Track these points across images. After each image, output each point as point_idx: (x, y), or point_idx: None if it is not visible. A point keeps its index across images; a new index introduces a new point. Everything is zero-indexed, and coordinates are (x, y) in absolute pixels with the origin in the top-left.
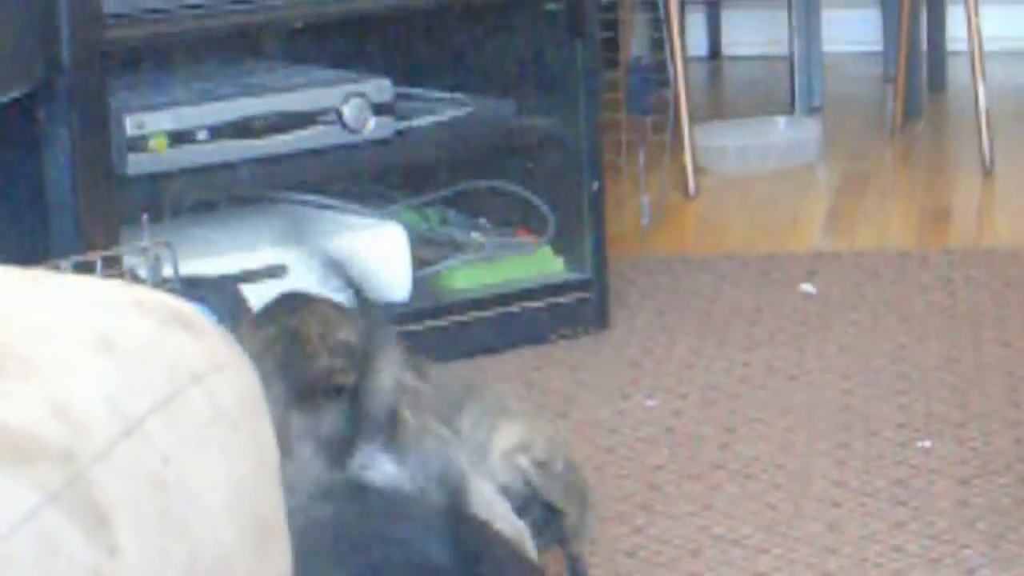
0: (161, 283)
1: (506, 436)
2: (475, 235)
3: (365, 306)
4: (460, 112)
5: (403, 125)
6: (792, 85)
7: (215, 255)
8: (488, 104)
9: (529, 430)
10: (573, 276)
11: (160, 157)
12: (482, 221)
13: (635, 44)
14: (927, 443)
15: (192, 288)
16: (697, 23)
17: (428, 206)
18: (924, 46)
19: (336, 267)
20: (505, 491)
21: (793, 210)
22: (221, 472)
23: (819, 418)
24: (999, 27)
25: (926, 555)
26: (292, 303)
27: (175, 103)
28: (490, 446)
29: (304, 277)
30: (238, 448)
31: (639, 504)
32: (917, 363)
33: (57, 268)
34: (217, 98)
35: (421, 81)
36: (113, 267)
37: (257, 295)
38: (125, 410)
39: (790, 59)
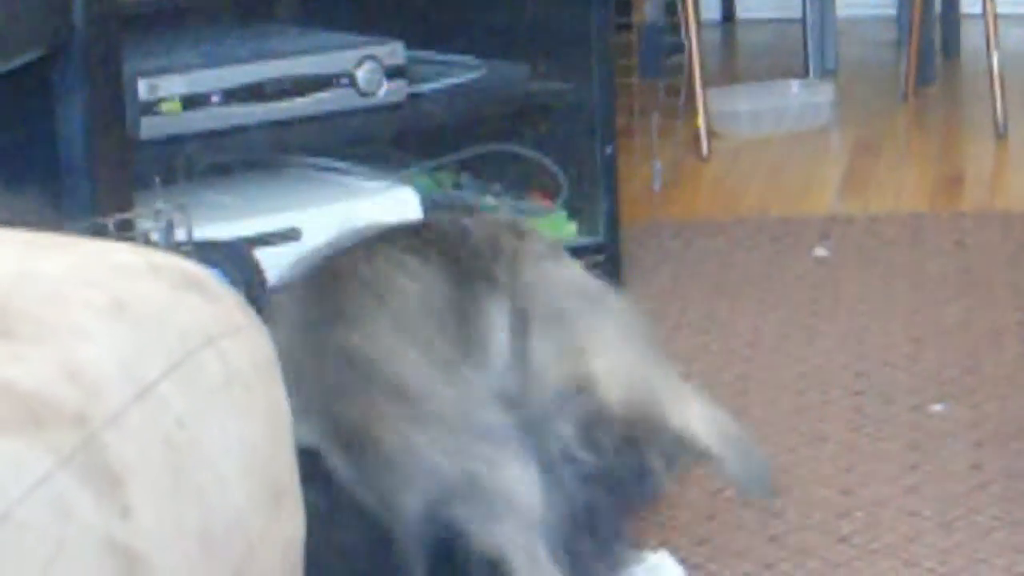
0: (174, 247)
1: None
2: (488, 199)
3: None
4: (473, 76)
5: (416, 89)
6: (806, 49)
7: (228, 219)
8: (501, 68)
9: None
10: (586, 240)
11: (173, 121)
12: (495, 185)
13: (648, 8)
14: (940, 407)
15: (205, 252)
16: None
17: (441, 170)
18: (938, 10)
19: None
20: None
21: (806, 174)
22: (234, 435)
23: (832, 382)
24: None
25: (939, 518)
26: (335, 271)
27: (189, 67)
28: None
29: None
30: (251, 411)
31: None
32: (930, 326)
33: (71, 232)
34: (230, 62)
35: (434, 44)
36: (126, 231)
37: (270, 258)
38: (138, 373)
39: (804, 23)
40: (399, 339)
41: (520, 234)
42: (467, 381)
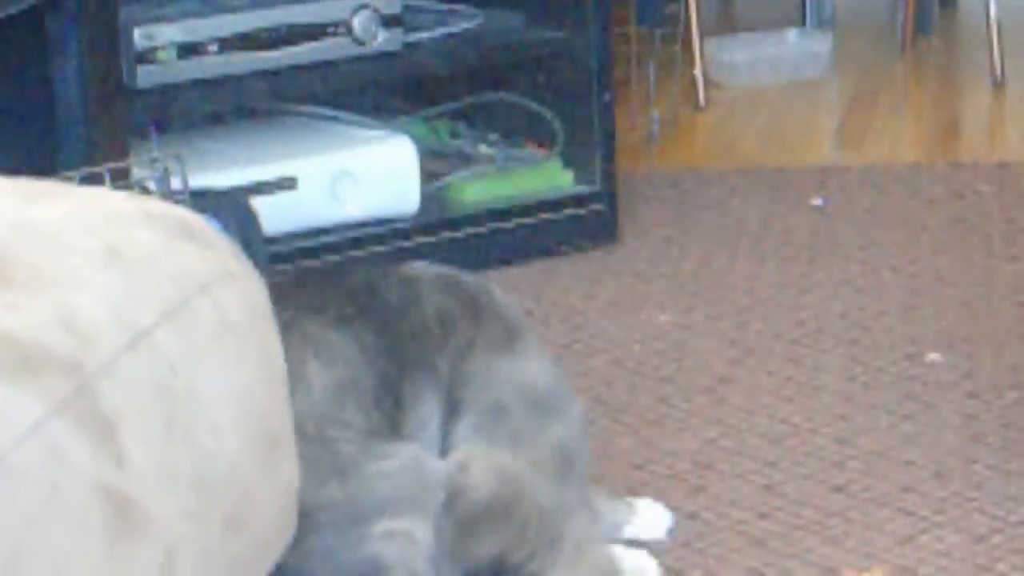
0: (170, 195)
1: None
2: (484, 148)
3: None
4: (469, 24)
5: (412, 37)
6: None
7: (224, 168)
8: (498, 16)
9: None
10: (582, 189)
11: (169, 69)
12: (491, 134)
13: None
14: (936, 357)
15: (201, 200)
16: None
17: (437, 118)
18: None
19: None
20: None
21: (803, 124)
22: (228, 383)
23: (828, 332)
24: None
25: (934, 468)
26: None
27: (184, 15)
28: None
29: (314, 192)
30: (245, 359)
31: (648, 418)
32: (927, 277)
33: (66, 180)
34: (226, 10)
35: None
36: (122, 179)
37: (266, 207)
38: (132, 321)
39: None
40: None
41: (478, 313)
42: (369, 476)
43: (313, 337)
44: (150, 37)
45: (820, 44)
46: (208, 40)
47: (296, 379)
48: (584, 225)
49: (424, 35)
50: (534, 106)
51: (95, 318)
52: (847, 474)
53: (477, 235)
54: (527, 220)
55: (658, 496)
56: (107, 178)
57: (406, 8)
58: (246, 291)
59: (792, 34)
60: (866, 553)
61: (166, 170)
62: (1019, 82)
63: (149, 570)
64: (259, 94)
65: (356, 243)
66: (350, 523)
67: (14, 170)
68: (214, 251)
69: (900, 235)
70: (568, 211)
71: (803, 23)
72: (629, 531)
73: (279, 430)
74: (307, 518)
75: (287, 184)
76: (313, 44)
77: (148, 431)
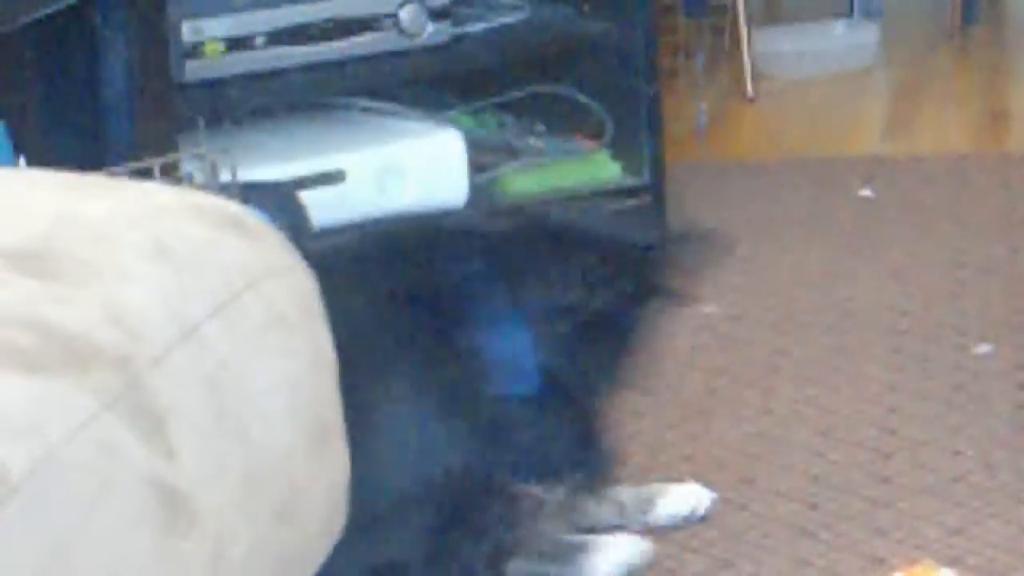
0: (218, 189)
1: None
2: (532, 140)
3: None
4: (517, 17)
5: (460, 30)
6: None
7: (272, 161)
8: (545, 8)
9: None
10: (630, 181)
11: (217, 63)
12: (539, 126)
13: None
14: (984, 347)
15: (250, 194)
16: None
17: (485, 111)
18: None
19: None
20: None
21: (851, 114)
22: (278, 375)
23: (876, 322)
24: None
25: (983, 459)
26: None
27: (232, 9)
28: None
29: (362, 185)
30: (295, 352)
31: (696, 409)
32: (974, 267)
33: (114, 174)
34: (274, 4)
35: None
36: (170, 173)
37: (314, 200)
38: (182, 315)
39: None
40: None
41: None
42: None
43: None
44: (198, 31)
45: (867, 35)
46: (256, 34)
47: None
48: (632, 216)
49: (472, 28)
50: (582, 98)
51: (145, 312)
52: (895, 465)
53: None
54: (575, 212)
55: (706, 487)
56: (156, 172)
57: (454, 1)
58: (295, 284)
59: (839, 25)
60: (914, 544)
61: (215, 164)
62: None
63: (199, 562)
64: (307, 87)
65: None
66: None
67: (62, 165)
68: (263, 244)
69: (948, 226)
70: (616, 202)
71: (850, 14)
72: (659, 511)
73: (329, 422)
74: None
75: (335, 177)
76: (361, 37)
77: (198, 424)
